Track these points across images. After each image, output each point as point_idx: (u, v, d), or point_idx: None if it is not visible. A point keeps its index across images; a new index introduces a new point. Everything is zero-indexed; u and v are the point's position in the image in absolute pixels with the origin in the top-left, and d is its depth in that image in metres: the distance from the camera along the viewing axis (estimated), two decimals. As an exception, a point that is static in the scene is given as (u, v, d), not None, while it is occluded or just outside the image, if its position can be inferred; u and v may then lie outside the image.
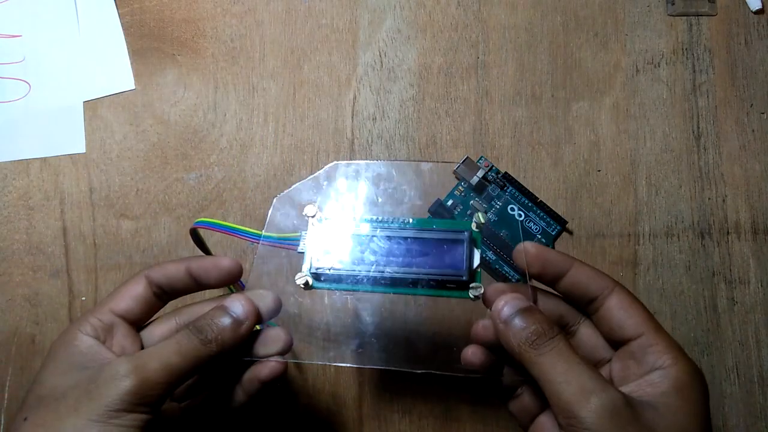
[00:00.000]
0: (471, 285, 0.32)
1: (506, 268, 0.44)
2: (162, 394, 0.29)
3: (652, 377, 0.29)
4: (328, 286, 0.33)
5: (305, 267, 0.33)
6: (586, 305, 0.32)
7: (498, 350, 0.32)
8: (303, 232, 0.34)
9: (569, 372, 0.27)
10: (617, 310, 0.31)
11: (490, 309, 0.31)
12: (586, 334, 0.33)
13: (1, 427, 0.43)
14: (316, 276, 0.33)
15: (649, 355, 0.29)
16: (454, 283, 0.32)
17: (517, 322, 0.29)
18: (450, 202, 0.45)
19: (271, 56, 0.47)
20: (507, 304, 0.30)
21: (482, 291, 0.32)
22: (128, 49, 0.47)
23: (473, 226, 0.32)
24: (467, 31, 0.47)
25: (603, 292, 0.31)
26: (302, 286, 0.33)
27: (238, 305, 0.32)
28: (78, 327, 0.31)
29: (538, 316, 0.29)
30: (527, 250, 0.31)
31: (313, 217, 0.34)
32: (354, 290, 0.33)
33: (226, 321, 0.31)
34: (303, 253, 0.33)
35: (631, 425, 0.26)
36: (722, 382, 0.43)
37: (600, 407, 0.26)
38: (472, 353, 0.33)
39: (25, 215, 0.45)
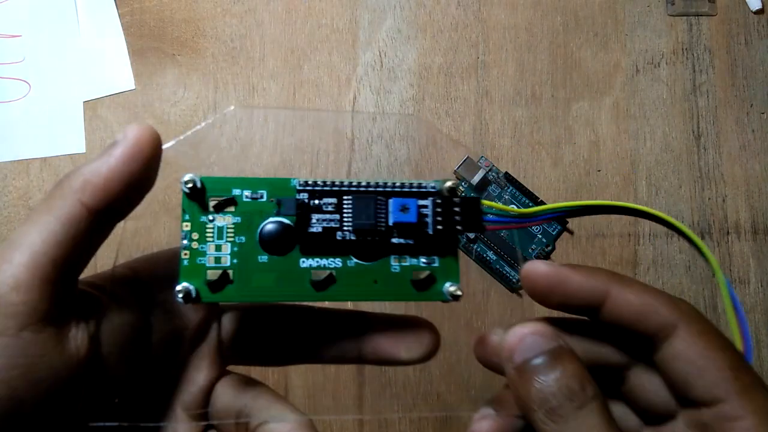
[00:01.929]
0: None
1: (506, 269, 0.44)
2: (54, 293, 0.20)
3: None
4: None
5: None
6: (639, 343, 0.22)
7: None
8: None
9: None
10: (683, 358, 0.20)
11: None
12: (640, 382, 0.22)
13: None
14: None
15: None
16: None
17: (537, 373, 0.20)
18: (450, 202, 0.45)
19: (271, 56, 0.47)
20: (524, 342, 0.20)
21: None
22: (128, 49, 0.47)
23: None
24: (467, 31, 0.47)
25: (662, 328, 0.21)
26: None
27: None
28: None
29: (570, 367, 0.20)
30: (534, 272, 0.21)
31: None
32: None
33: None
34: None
35: None
36: (722, 382, 0.43)
37: None
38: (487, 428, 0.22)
39: (26, 215, 0.45)
